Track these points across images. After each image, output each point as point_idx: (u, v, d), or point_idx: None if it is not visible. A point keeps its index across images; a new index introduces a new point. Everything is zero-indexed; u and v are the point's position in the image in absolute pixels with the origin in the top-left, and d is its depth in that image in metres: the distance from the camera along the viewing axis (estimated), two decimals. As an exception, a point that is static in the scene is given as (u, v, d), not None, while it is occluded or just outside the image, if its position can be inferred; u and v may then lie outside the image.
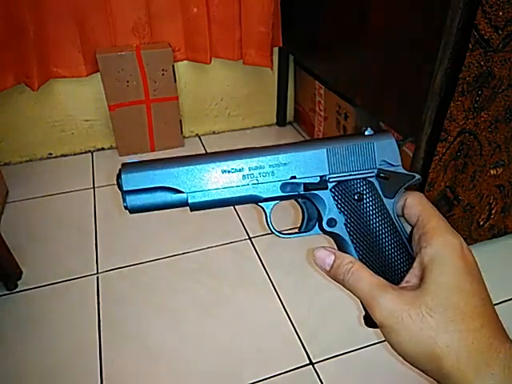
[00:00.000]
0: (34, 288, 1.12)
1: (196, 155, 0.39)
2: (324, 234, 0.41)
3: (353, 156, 0.39)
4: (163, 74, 1.57)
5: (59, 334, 1.01)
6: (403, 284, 0.35)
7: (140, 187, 0.37)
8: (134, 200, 0.38)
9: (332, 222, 0.39)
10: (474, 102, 0.91)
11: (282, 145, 0.40)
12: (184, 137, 1.79)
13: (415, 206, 0.37)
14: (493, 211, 1.17)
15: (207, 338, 1.00)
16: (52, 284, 1.14)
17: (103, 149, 1.75)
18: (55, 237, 1.30)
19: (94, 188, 1.51)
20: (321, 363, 0.95)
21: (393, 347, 0.33)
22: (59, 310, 1.07)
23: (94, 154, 1.73)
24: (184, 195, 0.38)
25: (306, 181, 0.39)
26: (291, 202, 0.42)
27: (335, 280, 0.37)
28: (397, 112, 1.11)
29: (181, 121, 1.71)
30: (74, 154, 1.72)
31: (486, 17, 0.80)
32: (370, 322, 0.38)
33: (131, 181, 0.37)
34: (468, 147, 0.98)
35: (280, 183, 0.39)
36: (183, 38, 1.58)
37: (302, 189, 0.39)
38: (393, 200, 0.39)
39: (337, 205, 0.39)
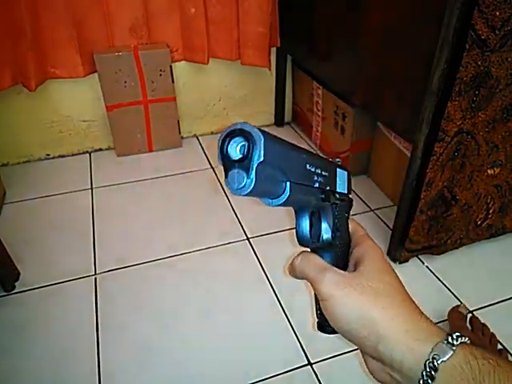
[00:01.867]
0: (32, 289, 1.12)
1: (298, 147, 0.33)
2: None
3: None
4: (161, 75, 1.57)
5: (57, 335, 1.01)
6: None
7: (277, 163, 0.29)
8: (260, 179, 0.27)
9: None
10: (471, 102, 0.91)
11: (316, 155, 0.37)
12: (182, 137, 1.79)
13: (354, 226, 0.46)
14: (490, 211, 1.17)
15: (206, 338, 1.00)
16: (49, 285, 1.13)
17: (101, 149, 1.75)
18: (53, 238, 1.29)
19: (91, 189, 1.51)
20: (319, 363, 0.95)
21: (334, 319, 0.35)
22: (57, 311, 1.07)
23: (92, 154, 1.73)
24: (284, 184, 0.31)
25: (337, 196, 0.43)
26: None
27: (295, 274, 0.42)
28: (394, 112, 1.11)
29: (178, 121, 1.71)
30: (72, 155, 1.72)
31: (483, 17, 0.80)
32: (322, 326, 0.41)
33: (272, 152, 0.28)
34: (465, 147, 0.98)
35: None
36: (181, 38, 1.58)
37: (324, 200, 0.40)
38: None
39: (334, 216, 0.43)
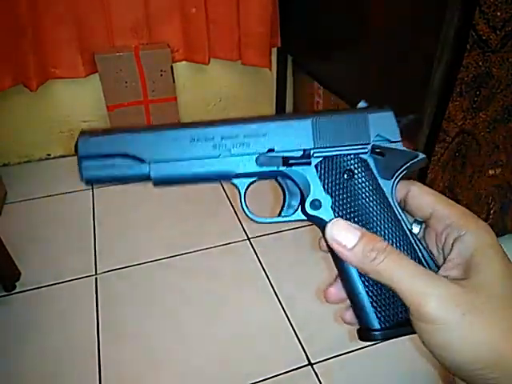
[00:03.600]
0: (33, 289, 1.12)
1: (166, 124, 0.35)
2: (308, 219, 0.35)
3: (342, 129, 0.34)
4: (162, 75, 1.57)
5: (58, 335, 1.01)
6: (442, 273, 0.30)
7: (97, 153, 0.34)
8: (90, 169, 0.34)
9: (316, 204, 0.34)
10: (472, 103, 0.91)
11: (264, 116, 0.35)
12: (183, 137, 1.79)
13: (424, 195, 0.33)
14: (491, 211, 1.17)
15: (206, 338, 1.00)
16: (50, 285, 1.13)
17: (102, 149, 1.75)
18: (54, 238, 1.29)
19: (92, 189, 1.51)
20: (320, 364, 0.95)
21: (445, 352, 0.26)
22: (57, 311, 1.07)
23: (93, 154, 1.72)
24: (146, 165, 0.33)
25: (286, 154, 0.34)
26: (270, 185, 0.38)
27: (355, 262, 0.30)
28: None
29: (179, 121, 1.71)
30: (73, 155, 1.69)
31: (484, 17, 0.80)
32: (364, 335, 0.34)
33: (89, 146, 0.33)
34: (466, 147, 0.98)
35: (255, 156, 0.34)
36: (182, 38, 1.58)
37: (281, 163, 0.34)
38: (391, 181, 0.34)
39: (323, 184, 0.34)
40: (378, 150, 0.34)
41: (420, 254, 0.32)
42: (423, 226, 0.34)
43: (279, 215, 0.37)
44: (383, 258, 0.28)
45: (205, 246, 1.26)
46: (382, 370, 0.94)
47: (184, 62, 1.65)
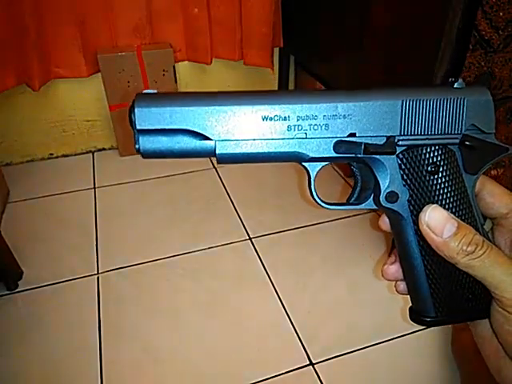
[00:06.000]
0: (35, 288, 1.12)
1: (230, 92, 0.31)
2: (379, 208, 0.33)
3: (434, 114, 0.30)
4: (164, 75, 1.58)
5: (59, 334, 1.01)
6: None
7: (157, 127, 0.30)
8: (149, 142, 0.30)
9: (393, 197, 0.31)
10: (474, 103, 0.91)
11: (340, 90, 0.31)
12: (185, 137, 1.79)
13: (503, 195, 0.32)
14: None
15: (207, 338, 1.00)
16: (52, 284, 1.14)
17: (104, 149, 1.75)
18: (56, 237, 1.30)
19: (94, 188, 1.51)
20: (321, 364, 0.95)
21: None
22: (59, 309, 1.07)
23: (95, 154, 1.73)
24: (211, 143, 0.30)
25: (369, 141, 0.30)
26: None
27: (445, 252, 0.29)
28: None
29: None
30: (75, 155, 1.72)
31: (487, 17, 0.80)
32: (417, 318, 0.33)
33: (147, 118, 0.30)
34: (468, 148, 0.98)
35: (334, 141, 0.30)
36: (184, 38, 1.59)
37: (362, 151, 0.30)
38: (475, 177, 0.31)
39: (402, 175, 0.31)
40: (468, 143, 0.30)
41: None
42: (493, 223, 0.34)
43: (348, 202, 0.35)
44: (481, 254, 0.28)
45: (206, 246, 1.26)
46: (383, 370, 0.94)
47: (186, 62, 1.65)
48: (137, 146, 0.31)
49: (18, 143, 1.63)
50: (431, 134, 0.30)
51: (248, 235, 1.30)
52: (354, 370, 0.94)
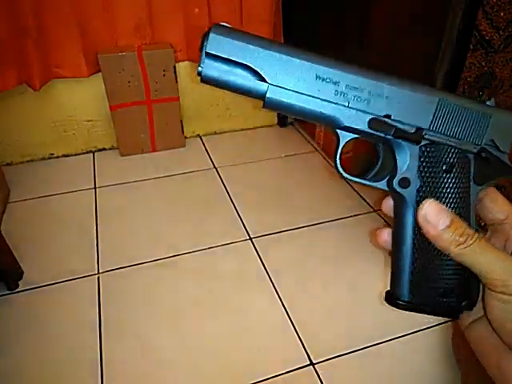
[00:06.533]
0: (35, 288, 1.13)
1: (294, 46, 0.33)
2: (389, 190, 0.35)
3: (463, 120, 0.33)
4: (164, 75, 1.58)
5: (60, 334, 1.01)
6: None
7: (225, 55, 0.32)
8: (212, 68, 0.32)
9: (405, 183, 0.34)
10: (475, 103, 0.91)
11: (391, 75, 0.34)
12: (185, 137, 1.79)
13: (502, 202, 0.35)
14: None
15: (208, 338, 1.00)
16: (53, 284, 1.14)
17: (104, 149, 1.75)
18: (56, 237, 1.30)
19: (95, 188, 1.52)
20: (321, 363, 0.95)
21: None
22: (60, 309, 1.07)
23: (96, 154, 1.73)
24: (265, 86, 0.32)
25: (400, 126, 0.33)
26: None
27: (440, 242, 0.31)
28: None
29: (182, 121, 1.71)
30: (76, 155, 1.72)
31: (487, 17, 0.80)
32: (391, 300, 0.35)
33: (219, 44, 0.32)
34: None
35: (370, 117, 0.33)
36: (184, 38, 1.59)
37: (392, 133, 0.33)
38: (480, 187, 0.34)
39: (419, 166, 0.33)
40: (484, 155, 0.33)
41: None
42: (491, 229, 0.36)
43: (365, 176, 0.37)
44: (472, 243, 0.30)
45: (207, 246, 1.26)
46: (384, 370, 0.94)
47: (187, 62, 1.65)
48: (199, 69, 0.32)
49: (19, 143, 1.63)
50: (455, 137, 0.33)
51: (248, 235, 1.30)
52: (355, 369, 0.94)
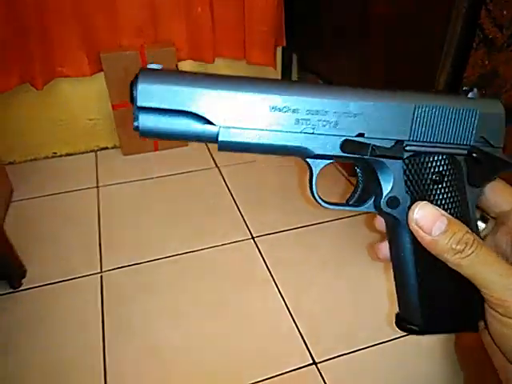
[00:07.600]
0: (38, 286, 1.13)
1: (239, 77, 0.30)
2: (378, 213, 0.32)
3: (446, 122, 0.29)
4: (167, 74, 1.57)
5: (63, 333, 1.01)
6: None
7: (160, 106, 0.28)
8: (149, 121, 0.29)
9: (394, 202, 0.30)
10: (478, 102, 0.90)
11: (353, 87, 0.30)
12: (187, 136, 1.79)
13: (506, 195, 0.32)
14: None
15: (210, 337, 1.01)
16: (56, 282, 1.14)
17: (107, 148, 1.76)
18: (59, 236, 1.30)
19: (97, 187, 1.52)
20: (324, 363, 0.95)
21: None
22: (63, 308, 1.08)
23: (98, 153, 1.73)
24: (215, 128, 0.29)
25: (377, 143, 0.29)
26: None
27: (435, 251, 0.28)
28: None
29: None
30: (78, 153, 1.72)
31: (491, 16, 0.79)
32: (403, 326, 0.32)
33: (150, 94, 0.28)
34: (472, 147, 0.98)
35: (342, 139, 0.29)
36: (187, 37, 1.58)
37: (369, 152, 0.29)
38: (477, 190, 0.31)
39: (406, 181, 0.30)
40: (475, 155, 0.30)
41: None
42: (490, 224, 0.33)
43: (347, 202, 0.34)
44: (470, 253, 0.27)
45: (209, 245, 1.26)
46: (386, 369, 0.94)
47: (189, 61, 1.65)
48: (135, 124, 0.29)
49: (22, 142, 1.63)
50: (440, 142, 0.29)
51: (251, 234, 1.30)
52: (357, 369, 0.94)
